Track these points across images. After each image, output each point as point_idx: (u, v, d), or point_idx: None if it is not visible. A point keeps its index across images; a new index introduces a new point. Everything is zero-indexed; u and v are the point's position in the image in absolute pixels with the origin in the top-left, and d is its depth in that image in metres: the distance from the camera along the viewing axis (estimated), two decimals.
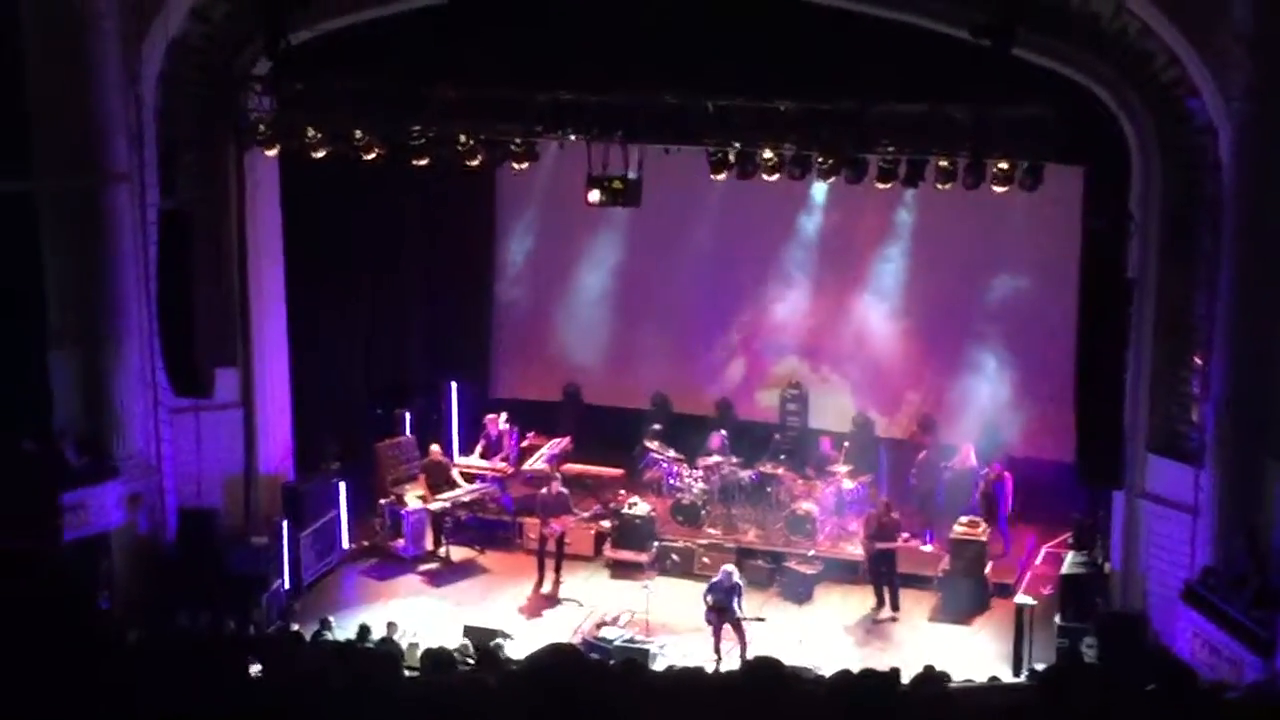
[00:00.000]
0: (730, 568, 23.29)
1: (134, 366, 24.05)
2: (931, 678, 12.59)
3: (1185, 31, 21.35)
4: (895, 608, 24.51)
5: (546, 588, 25.31)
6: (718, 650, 22.69)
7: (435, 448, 27.22)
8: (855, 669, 11.75)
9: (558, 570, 25.49)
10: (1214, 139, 21.57)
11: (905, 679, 12.36)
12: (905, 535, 25.15)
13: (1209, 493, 22.01)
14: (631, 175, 22.94)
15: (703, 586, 23.40)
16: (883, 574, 24.63)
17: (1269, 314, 21.33)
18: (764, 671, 9.72)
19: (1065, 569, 23.60)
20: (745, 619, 22.80)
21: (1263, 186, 21.07)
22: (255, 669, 13.04)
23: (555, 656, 9.72)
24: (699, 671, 11.36)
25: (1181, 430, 22.86)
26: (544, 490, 25.85)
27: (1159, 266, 22.58)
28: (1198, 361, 22.43)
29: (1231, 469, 21.74)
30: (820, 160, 22.38)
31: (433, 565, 26.25)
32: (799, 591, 24.62)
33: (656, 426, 28.59)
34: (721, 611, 22.76)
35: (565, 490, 25.94)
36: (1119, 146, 22.53)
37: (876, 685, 10.36)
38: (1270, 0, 20.60)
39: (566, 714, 9.21)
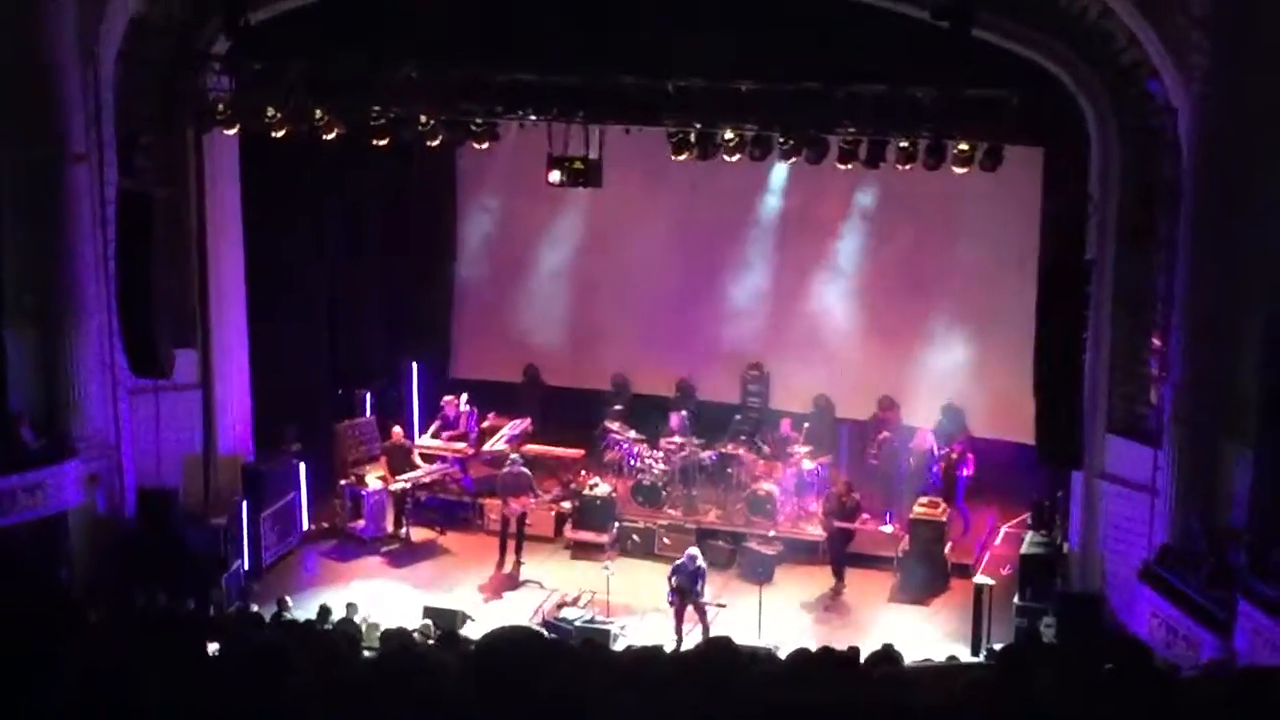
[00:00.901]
0: (694, 550, 23.32)
1: (92, 346, 23.95)
2: (889, 657, 12.62)
3: (1144, 13, 21.40)
4: (839, 585, 24.64)
5: (507, 568, 25.32)
6: (679, 632, 22.72)
7: (397, 430, 27.23)
8: (814, 649, 11.80)
9: (518, 551, 25.52)
10: (1173, 120, 21.63)
11: (864, 659, 12.41)
12: (865, 516, 25.21)
13: (1167, 473, 22.11)
14: (592, 156, 22.92)
15: (664, 567, 23.44)
16: (840, 555, 24.69)
17: (1227, 295, 21.41)
18: (719, 651, 9.73)
19: (1024, 549, 23.71)
20: (707, 603, 22.83)
21: (1221, 168, 21.14)
22: (213, 648, 12.97)
23: (511, 636, 9.72)
24: (656, 651, 11.38)
25: (1140, 411, 22.98)
26: (504, 470, 25.87)
27: (1117, 248, 22.68)
28: (1156, 342, 22.53)
29: (1189, 449, 21.84)
30: (781, 141, 22.38)
31: (393, 546, 26.24)
32: (759, 572, 24.63)
33: (617, 407, 28.64)
34: (684, 594, 22.79)
35: (526, 470, 25.95)
36: (1078, 128, 22.60)
37: (834, 665, 10.38)
38: None
39: (523, 692, 9.21)
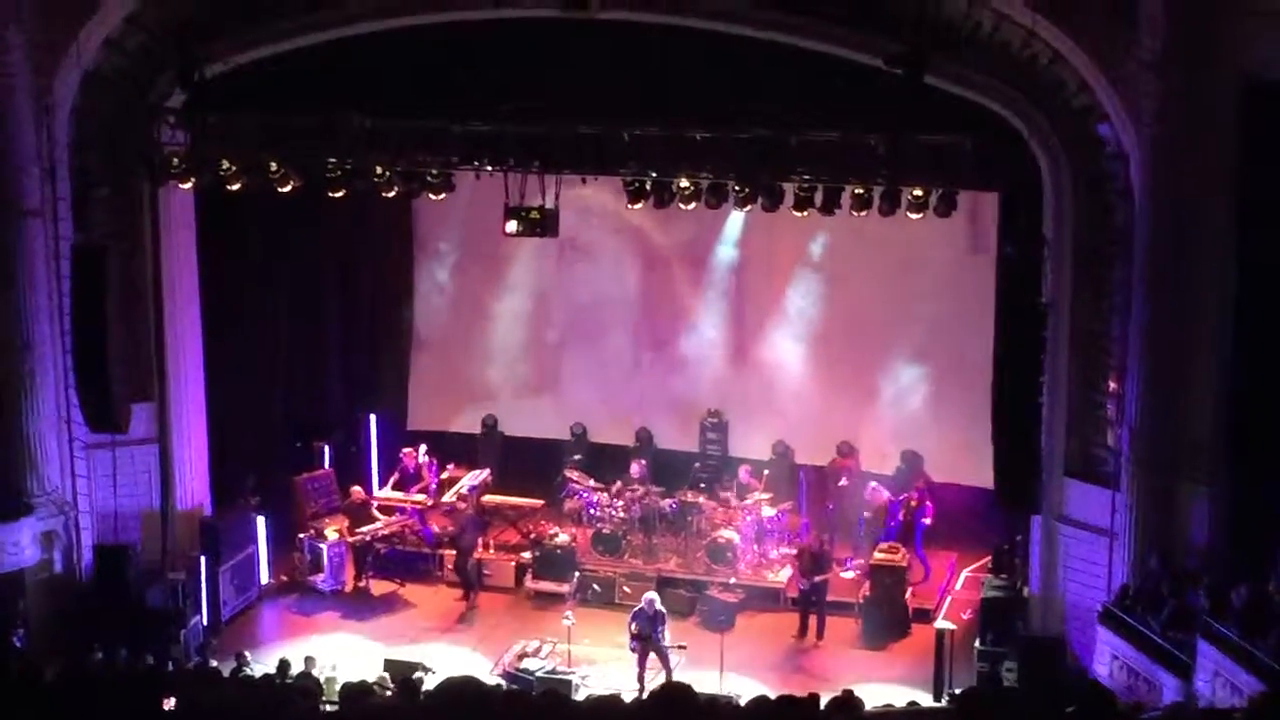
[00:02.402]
0: (652, 595, 23.28)
1: (48, 402, 23.85)
2: (848, 703, 12.61)
3: (1094, 58, 21.58)
4: (820, 635, 24.59)
5: (461, 621, 25.34)
6: (641, 679, 22.65)
7: (356, 489, 27.12)
8: (774, 696, 11.77)
9: (475, 596, 25.62)
10: (1125, 165, 21.79)
11: (823, 706, 12.39)
12: (836, 568, 25.22)
13: (1125, 515, 22.18)
14: (549, 205, 22.94)
15: (625, 616, 23.37)
16: (813, 603, 24.68)
17: (1180, 337, 21.53)
18: (677, 699, 9.71)
19: (984, 593, 23.73)
20: (669, 647, 22.79)
21: (1172, 211, 21.29)
22: (170, 704, 12.89)
23: (468, 687, 9.69)
24: (614, 699, 11.34)
25: (1097, 454, 23.04)
26: (457, 513, 26.26)
27: (1073, 291, 22.76)
28: (1112, 385, 22.62)
29: (1146, 492, 21.91)
30: (736, 189, 22.44)
31: (353, 599, 26.10)
32: (720, 619, 24.60)
33: (576, 457, 28.63)
34: (645, 640, 22.73)
35: (476, 516, 26.21)
36: (1032, 172, 22.72)
37: (793, 711, 10.36)
38: (1177, 27, 20.81)
39: None
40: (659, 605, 23.01)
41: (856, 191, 22.08)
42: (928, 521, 26.00)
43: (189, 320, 25.52)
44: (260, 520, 26.32)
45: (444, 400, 30.48)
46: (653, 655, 22.73)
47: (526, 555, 26.55)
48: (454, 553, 26.04)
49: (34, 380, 23.63)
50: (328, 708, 16.74)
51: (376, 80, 23.41)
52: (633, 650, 22.83)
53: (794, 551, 25.64)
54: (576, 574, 25.56)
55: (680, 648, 22.83)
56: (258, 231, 26.67)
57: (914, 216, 22.11)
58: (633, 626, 22.84)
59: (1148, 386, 21.79)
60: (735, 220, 27.36)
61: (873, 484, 26.65)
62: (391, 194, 23.79)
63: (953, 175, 21.63)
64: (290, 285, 28.57)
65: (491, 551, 26.49)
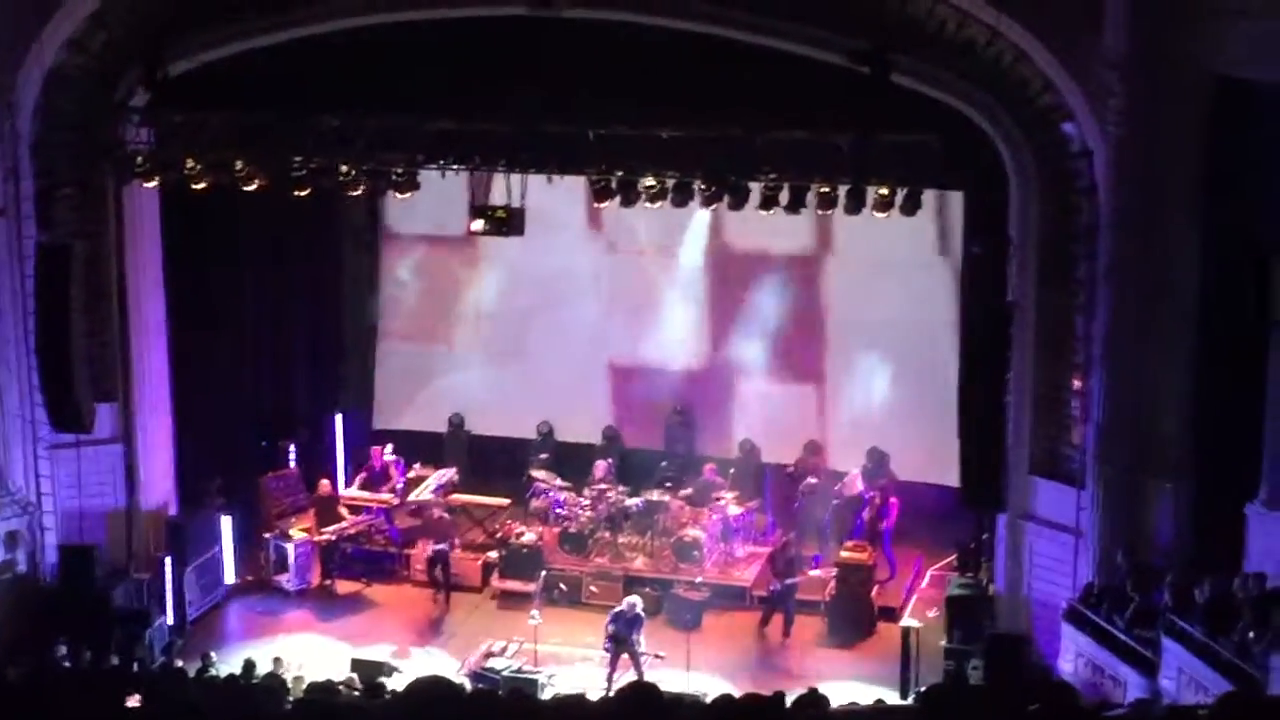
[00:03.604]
0: (635, 599, 23.28)
1: (12, 402, 23.79)
2: (813, 702, 12.62)
3: (1058, 57, 21.65)
4: (787, 634, 24.61)
5: (427, 620, 25.30)
6: (610, 680, 22.63)
7: (325, 482, 27.12)
8: (740, 695, 11.77)
9: (446, 598, 25.57)
10: (1089, 163, 21.85)
11: (789, 704, 12.40)
12: (805, 569, 25.26)
13: (1090, 513, 22.25)
14: (514, 204, 22.92)
15: (591, 615, 23.36)
16: (781, 603, 24.69)
17: (1145, 335, 21.62)
18: (643, 698, 9.71)
19: (950, 591, 23.78)
20: (644, 653, 22.77)
21: (1137, 210, 21.37)
22: (133, 701, 12.85)
23: (435, 687, 9.68)
24: (580, 699, 11.34)
25: (1063, 452, 23.09)
26: (427, 515, 26.18)
27: (1038, 290, 22.80)
28: (1077, 383, 22.67)
29: (1112, 489, 21.99)
30: (702, 187, 22.44)
31: (319, 599, 26.04)
32: (686, 618, 24.60)
33: (543, 456, 28.57)
34: (620, 642, 22.72)
35: (447, 516, 26.23)
36: (997, 171, 22.77)
37: (759, 711, 10.36)
38: (1142, 26, 20.88)
39: None
40: (640, 610, 23.02)
41: (822, 190, 22.10)
42: (892, 518, 26.00)
43: (154, 320, 25.42)
44: (226, 520, 26.22)
45: (410, 399, 30.42)
46: (624, 658, 22.72)
47: (493, 555, 26.52)
48: (426, 555, 25.90)
49: None
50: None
51: (342, 79, 23.34)
52: (606, 651, 22.81)
53: (765, 552, 25.66)
54: (543, 573, 25.51)
55: (658, 657, 22.76)
56: (222, 230, 26.53)
57: (879, 216, 22.12)
58: (609, 628, 22.81)
59: (1113, 384, 21.87)
60: (701, 219, 27.31)
61: (853, 471, 26.65)
62: (357, 192, 23.78)
63: (918, 174, 21.66)
64: (255, 284, 28.46)
65: (458, 551, 26.44)
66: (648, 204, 22.90)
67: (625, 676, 22.51)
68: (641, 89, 22.55)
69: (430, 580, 25.79)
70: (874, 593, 25.14)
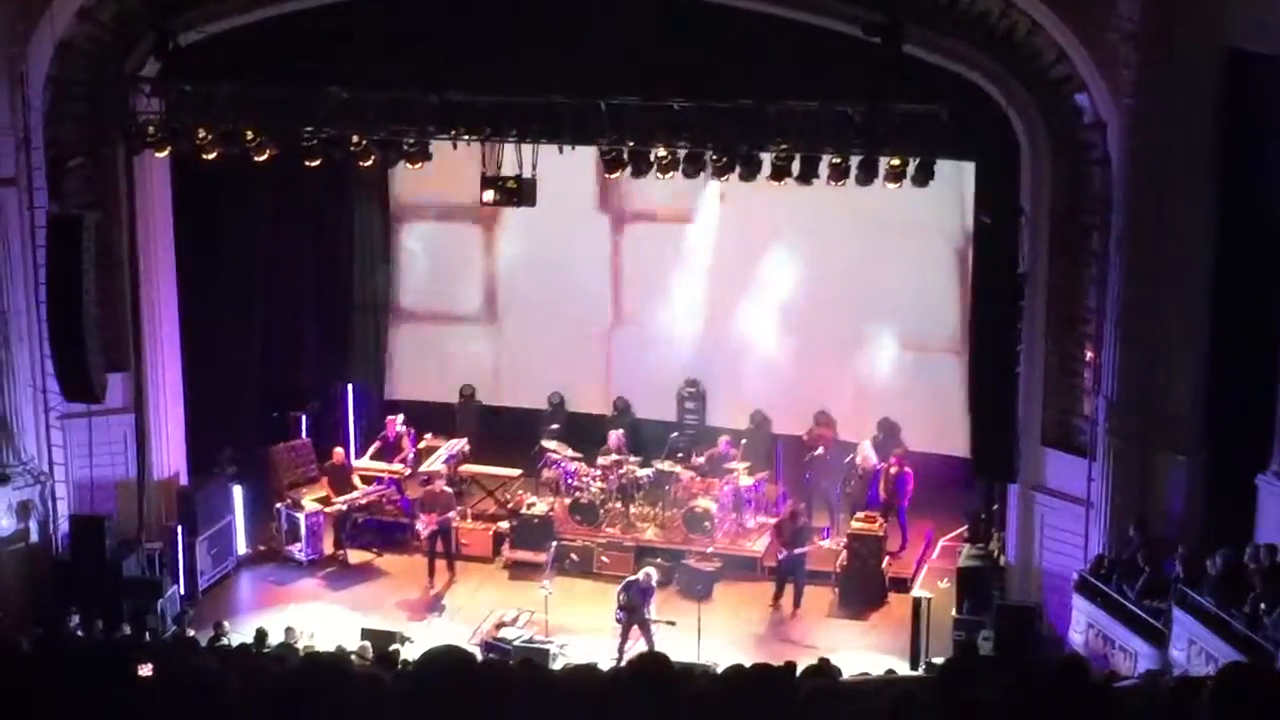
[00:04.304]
0: (651, 570, 23.37)
1: (23, 372, 23.79)
2: (824, 671, 12.63)
3: (1073, 28, 21.58)
4: (797, 605, 24.63)
5: (436, 587, 25.28)
6: (621, 649, 22.66)
7: (338, 450, 27.17)
8: (751, 665, 11.76)
9: (451, 569, 25.51)
10: (1102, 135, 21.82)
11: (798, 674, 12.41)
12: (816, 539, 25.27)
13: (1101, 485, 22.24)
14: (525, 175, 22.89)
15: (602, 586, 23.41)
16: (790, 573, 24.71)
17: (1157, 307, 21.58)
18: (654, 668, 9.71)
19: (961, 562, 23.82)
20: (655, 621, 22.80)
21: (1149, 181, 21.31)
22: (146, 670, 12.87)
23: (447, 656, 9.70)
24: (591, 668, 11.35)
25: (1074, 423, 23.11)
26: (429, 487, 25.94)
27: (1049, 261, 22.79)
28: (1089, 355, 22.66)
29: (1123, 461, 21.98)
30: (714, 158, 22.39)
31: (330, 568, 26.10)
32: (697, 589, 24.60)
33: (554, 426, 28.59)
34: (632, 611, 22.76)
35: (449, 489, 26.05)
36: (1009, 142, 22.72)
37: (770, 681, 10.37)
38: None
39: (459, 712, 9.19)
40: (654, 581, 23.06)
41: (833, 161, 22.01)
42: (908, 488, 26.01)
43: (165, 290, 25.47)
44: (237, 490, 26.33)
45: (422, 369, 30.42)
46: (636, 628, 22.76)
47: (504, 525, 26.54)
48: (426, 531, 25.83)
49: (9, 350, 23.57)
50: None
51: (353, 49, 23.32)
52: (618, 621, 22.85)
53: (773, 521, 25.67)
54: (554, 544, 25.54)
55: (669, 623, 22.79)
56: (234, 200, 26.57)
57: (891, 186, 22.06)
58: (621, 597, 22.86)
59: (1124, 356, 21.84)
60: (712, 189, 27.24)
61: (867, 445, 26.63)
62: (368, 163, 23.74)
63: (930, 144, 21.56)
64: (266, 254, 28.49)
65: (469, 522, 26.47)
66: (659, 175, 22.86)
67: (636, 646, 22.57)
68: (653, 59, 22.49)
69: (429, 555, 25.68)
70: (885, 564, 25.16)
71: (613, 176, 23.45)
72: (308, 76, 22.95)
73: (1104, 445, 22.20)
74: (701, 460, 27.04)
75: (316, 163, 23.27)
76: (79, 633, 21.15)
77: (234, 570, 26.02)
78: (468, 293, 29.80)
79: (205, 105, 23.00)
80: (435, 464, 27.38)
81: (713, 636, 22.92)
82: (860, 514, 25.41)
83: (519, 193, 22.98)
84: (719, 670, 15.25)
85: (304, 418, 28.53)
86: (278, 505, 26.68)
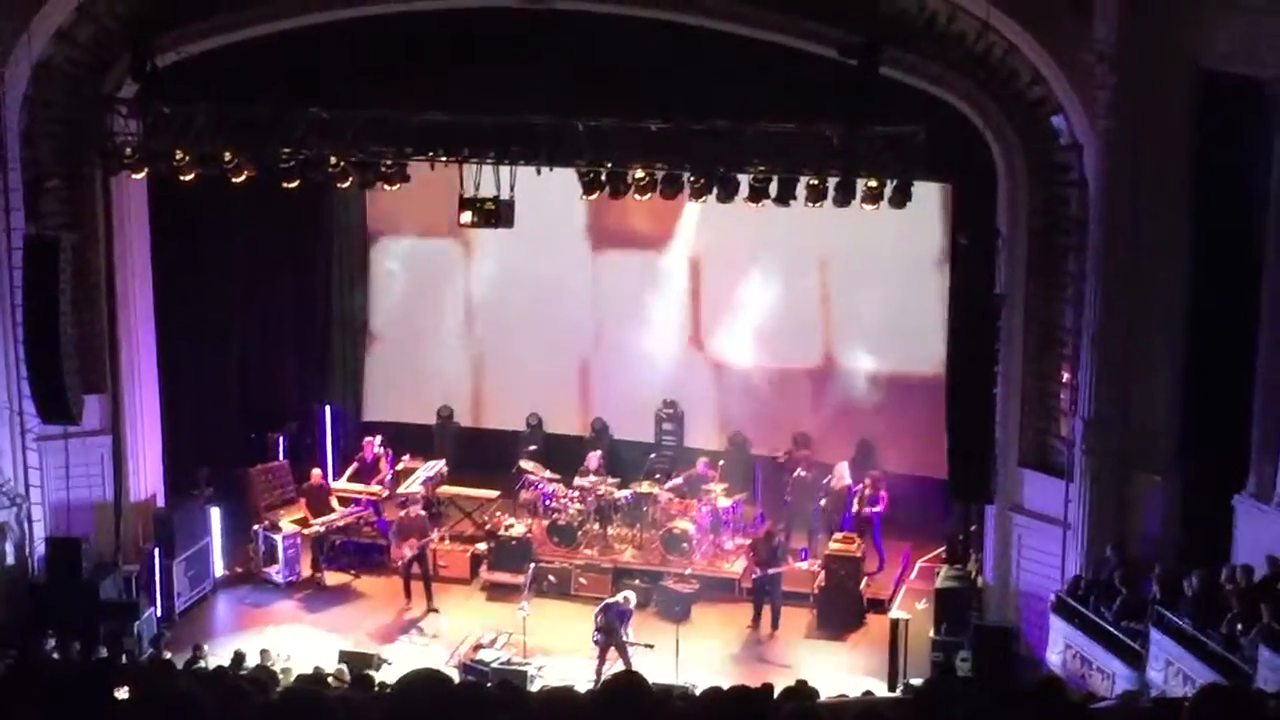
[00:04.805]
0: (630, 593, 23.38)
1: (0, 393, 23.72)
2: (802, 692, 12.63)
3: (1049, 50, 21.69)
4: (775, 626, 24.63)
5: (413, 611, 25.21)
6: (599, 671, 22.62)
7: (316, 472, 27.09)
8: (729, 687, 11.76)
9: (428, 595, 25.42)
10: (1078, 156, 21.89)
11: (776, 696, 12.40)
12: (791, 560, 25.25)
13: (1078, 505, 22.29)
14: (503, 196, 22.90)
15: (580, 607, 23.36)
16: (766, 593, 24.71)
17: (1133, 328, 21.66)
18: (630, 689, 9.71)
19: (939, 583, 23.80)
20: (632, 644, 22.77)
21: (1125, 203, 21.41)
22: (123, 693, 12.84)
23: (425, 678, 9.69)
24: (568, 690, 11.34)
25: (1051, 444, 23.17)
26: (403, 513, 25.83)
27: (1026, 282, 22.86)
28: (1065, 376, 22.72)
29: (1100, 481, 22.03)
30: (691, 180, 22.41)
31: (308, 590, 26.03)
32: (676, 610, 24.59)
33: (532, 448, 28.56)
34: (610, 633, 22.72)
35: (424, 513, 25.99)
36: (986, 163, 22.80)
37: (748, 703, 10.37)
38: (1131, 19, 20.90)
39: None
40: (632, 604, 23.06)
41: (811, 182, 22.04)
42: (879, 509, 26.02)
43: (142, 311, 25.44)
44: (214, 512, 26.23)
45: (399, 391, 30.39)
46: (613, 650, 22.74)
47: (482, 547, 26.50)
48: (402, 558, 25.75)
49: None
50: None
51: (331, 70, 23.39)
52: (596, 643, 22.81)
53: (748, 542, 25.67)
54: (532, 565, 25.51)
55: (648, 647, 22.76)
56: (211, 222, 26.56)
57: (869, 207, 22.10)
58: (599, 619, 22.81)
59: (1101, 377, 21.92)
60: (690, 211, 27.28)
61: (844, 467, 26.65)
62: (346, 184, 23.74)
63: (907, 166, 21.61)
64: (244, 276, 28.49)
65: (446, 543, 26.43)
66: (636, 195, 22.86)
67: (614, 668, 22.53)
68: (630, 81, 22.56)
69: (405, 577, 25.57)
70: (863, 584, 25.17)
71: (590, 197, 23.45)
72: (285, 98, 22.94)
73: (1081, 466, 22.26)
74: (679, 481, 27.04)
75: (294, 184, 23.25)
76: (55, 655, 21.07)
77: (211, 592, 25.92)
78: (446, 314, 29.77)
79: (183, 126, 22.95)
80: (413, 485, 27.32)
81: (691, 658, 22.88)
82: (839, 535, 25.43)
83: (497, 214, 22.96)
84: (697, 692, 15.26)
85: (281, 439, 28.48)
86: (255, 527, 26.61)
